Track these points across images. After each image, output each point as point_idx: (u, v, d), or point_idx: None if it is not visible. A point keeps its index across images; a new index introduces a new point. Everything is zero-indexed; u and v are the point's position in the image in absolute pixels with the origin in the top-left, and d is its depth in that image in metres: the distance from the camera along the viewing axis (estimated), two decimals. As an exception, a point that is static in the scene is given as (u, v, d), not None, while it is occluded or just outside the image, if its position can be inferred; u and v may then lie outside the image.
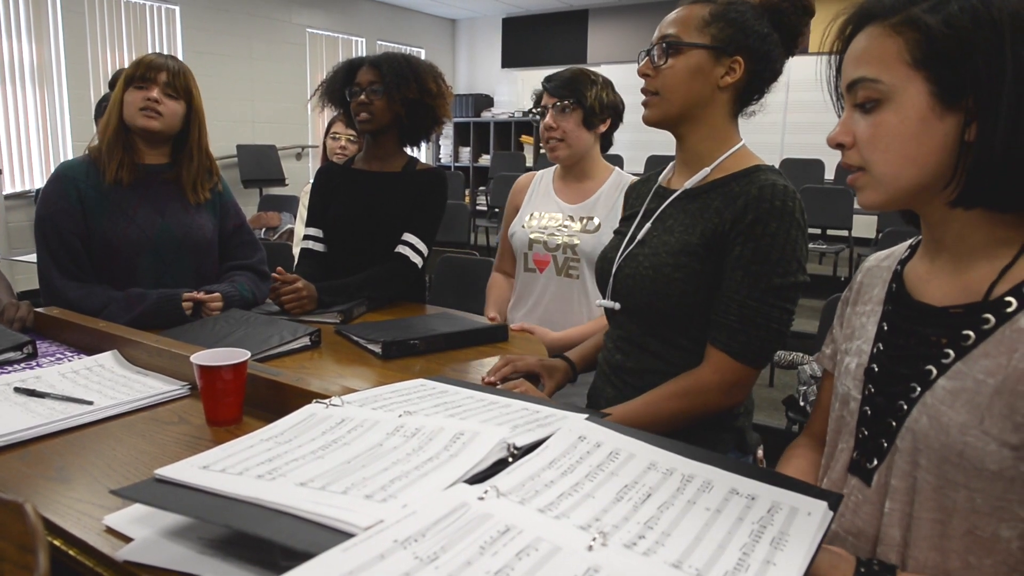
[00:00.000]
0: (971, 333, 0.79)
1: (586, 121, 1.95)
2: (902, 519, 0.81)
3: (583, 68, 2.01)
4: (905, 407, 0.82)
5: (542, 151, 8.45)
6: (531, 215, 2.07)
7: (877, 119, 0.80)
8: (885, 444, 0.84)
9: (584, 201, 2.01)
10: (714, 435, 1.33)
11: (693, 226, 1.28)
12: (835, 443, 0.94)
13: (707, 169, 1.31)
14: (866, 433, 0.87)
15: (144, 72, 1.78)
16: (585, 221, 1.98)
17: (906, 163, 0.79)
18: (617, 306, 1.37)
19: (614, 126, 2.03)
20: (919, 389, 0.81)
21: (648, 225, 1.35)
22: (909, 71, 0.78)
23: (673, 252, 1.28)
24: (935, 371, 0.80)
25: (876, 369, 0.88)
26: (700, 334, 1.28)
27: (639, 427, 1.23)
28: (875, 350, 0.89)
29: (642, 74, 1.31)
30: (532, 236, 2.02)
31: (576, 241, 1.96)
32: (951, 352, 0.80)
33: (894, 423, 0.83)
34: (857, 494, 0.86)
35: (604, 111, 1.97)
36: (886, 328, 0.89)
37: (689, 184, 1.32)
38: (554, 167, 2.13)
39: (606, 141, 2.05)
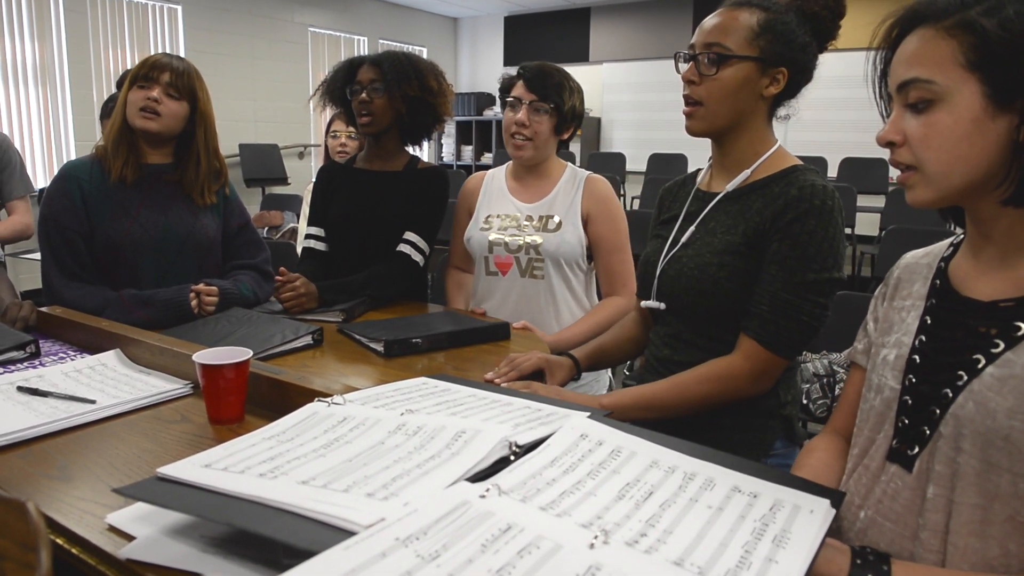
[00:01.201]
0: (1022, 325, 0.80)
1: (557, 127, 1.94)
2: (945, 505, 0.82)
3: (559, 67, 1.96)
4: (951, 394, 0.83)
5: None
6: (487, 217, 2.03)
7: (930, 119, 0.82)
8: (927, 431, 0.85)
9: (541, 200, 1.99)
10: (762, 422, 1.35)
11: (735, 226, 1.30)
12: (863, 433, 0.95)
13: (747, 172, 1.33)
14: (906, 421, 0.88)
15: (148, 71, 1.78)
16: (545, 220, 1.95)
17: (958, 162, 0.81)
18: (662, 306, 1.40)
19: (573, 134, 2.02)
20: (966, 377, 0.82)
21: (692, 228, 1.37)
22: (963, 73, 0.80)
23: (717, 252, 1.31)
24: (984, 360, 0.82)
25: (918, 360, 0.89)
26: None
27: (666, 406, 1.28)
28: (917, 342, 0.91)
29: (686, 80, 1.31)
30: (492, 238, 1.98)
31: (539, 240, 1.93)
32: (1001, 343, 0.81)
33: (937, 410, 0.84)
34: (896, 481, 0.87)
35: (573, 120, 1.95)
36: (929, 321, 0.91)
37: (730, 187, 1.34)
38: (505, 165, 2.11)
39: (563, 144, 2.03)
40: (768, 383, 1.30)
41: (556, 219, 1.94)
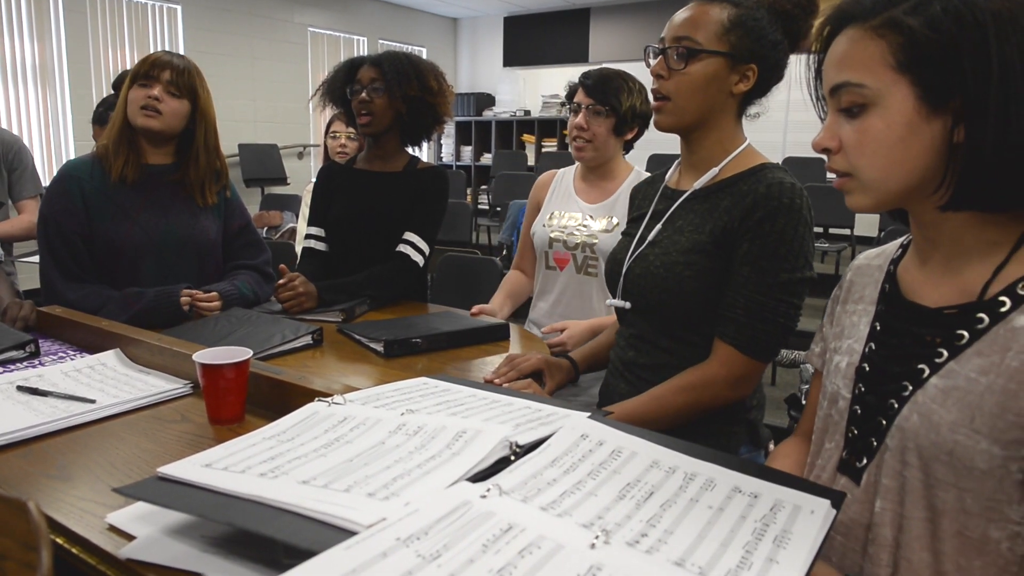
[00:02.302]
0: (965, 333, 0.78)
1: (616, 128, 1.97)
2: (894, 519, 0.81)
3: (622, 72, 2.02)
4: (896, 405, 0.82)
5: (542, 149, 8.46)
6: (552, 214, 2.09)
7: (863, 124, 0.80)
8: (875, 443, 0.84)
9: (604, 201, 2.04)
10: (727, 428, 1.34)
11: (703, 225, 1.29)
12: (822, 442, 0.94)
13: (715, 170, 1.32)
14: (856, 432, 0.87)
15: (148, 70, 1.78)
16: (605, 220, 2.00)
17: (894, 167, 0.79)
18: (628, 305, 1.39)
19: (640, 133, 2.06)
20: (911, 388, 0.81)
21: (659, 226, 1.36)
22: (894, 75, 0.77)
23: (683, 251, 1.29)
24: (928, 370, 0.80)
25: (867, 368, 0.88)
26: (711, 330, 1.29)
27: (647, 421, 1.25)
28: (867, 349, 0.89)
29: (655, 74, 1.30)
30: (552, 235, 2.05)
31: (595, 240, 1.98)
32: (944, 352, 0.79)
33: (884, 422, 0.83)
34: (846, 493, 0.86)
35: (635, 120, 1.99)
36: (878, 328, 0.89)
37: (698, 185, 1.33)
38: (575, 165, 2.15)
39: (628, 144, 2.08)
40: (747, 388, 1.29)
41: (615, 220, 1.99)
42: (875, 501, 0.83)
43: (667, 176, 1.45)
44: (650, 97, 1.99)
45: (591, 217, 2.03)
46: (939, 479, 0.77)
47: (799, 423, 1.09)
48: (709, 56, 1.25)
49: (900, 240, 0.95)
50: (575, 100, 2.01)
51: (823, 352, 1.01)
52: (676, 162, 1.44)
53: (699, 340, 1.31)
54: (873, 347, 0.89)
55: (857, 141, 0.81)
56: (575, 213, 2.06)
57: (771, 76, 1.30)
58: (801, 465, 1.01)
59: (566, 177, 2.16)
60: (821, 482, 0.90)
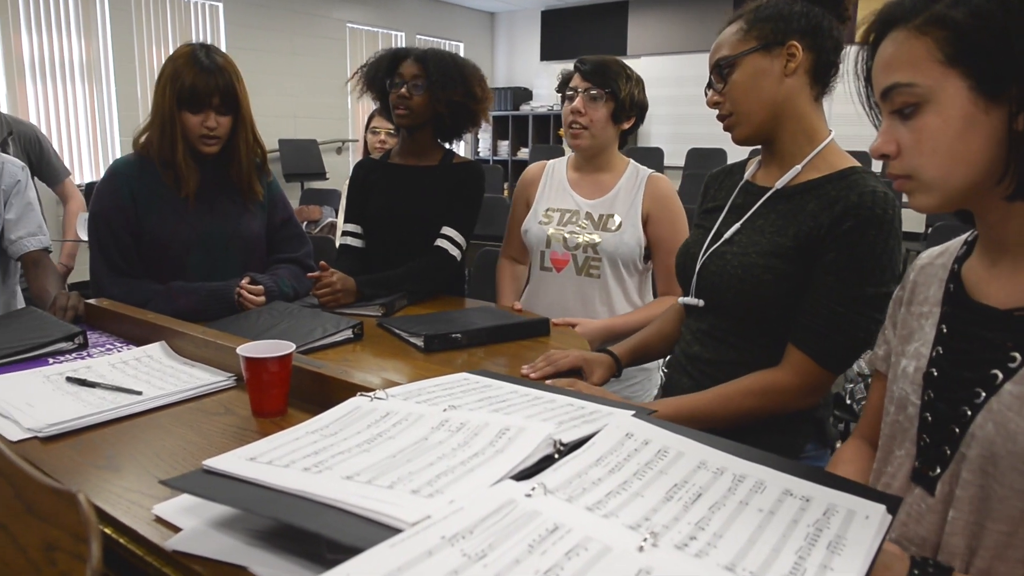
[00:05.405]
0: None
1: (615, 115, 1.91)
2: (965, 527, 0.78)
3: (618, 59, 1.95)
4: (969, 413, 0.79)
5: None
6: (547, 210, 2.01)
7: (919, 123, 0.78)
8: (948, 451, 0.81)
9: (603, 197, 1.95)
10: (794, 425, 1.31)
11: (785, 228, 1.26)
12: (890, 448, 0.91)
13: (798, 167, 1.28)
14: (927, 440, 0.84)
15: (199, 96, 1.75)
16: (605, 219, 1.93)
17: (955, 164, 0.77)
18: (701, 303, 1.36)
19: (636, 125, 1.98)
20: (984, 394, 0.78)
21: (737, 224, 1.33)
22: (943, 69, 0.76)
23: (763, 253, 1.26)
24: (1001, 375, 0.77)
25: (936, 373, 0.85)
26: (783, 332, 1.26)
27: (708, 417, 1.24)
28: (934, 353, 0.86)
29: (712, 104, 1.32)
30: (550, 233, 1.96)
31: (597, 239, 1.90)
32: (1018, 356, 0.76)
33: (957, 430, 0.80)
34: (920, 503, 0.83)
35: (633, 108, 1.92)
36: (945, 331, 0.86)
37: (780, 184, 1.30)
38: (566, 157, 2.08)
39: (622, 138, 2.00)
40: (817, 398, 1.26)
41: (617, 219, 1.91)
42: (949, 511, 0.80)
43: (747, 170, 1.41)
44: (653, 83, 1.96)
45: (590, 215, 1.93)
46: (1016, 489, 0.74)
47: (858, 426, 1.06)
48: (742, 59, 1.26)
49: (964, 236, 0.92)
50: (571, 86, 1.92)
51: (887, 355, 0.98)
52: (756, 155, 1.40)
53: (770, 342, 1.28)
54: (941, 351, 0.86)
55: (915, 141, 0.79)
56: (573, 209, 1.96)
57: (822, 42, 1.25)
58: (865, 472, 0.98)
59: (557, 169, 2.06)
60: (892, 491, 0.87)
